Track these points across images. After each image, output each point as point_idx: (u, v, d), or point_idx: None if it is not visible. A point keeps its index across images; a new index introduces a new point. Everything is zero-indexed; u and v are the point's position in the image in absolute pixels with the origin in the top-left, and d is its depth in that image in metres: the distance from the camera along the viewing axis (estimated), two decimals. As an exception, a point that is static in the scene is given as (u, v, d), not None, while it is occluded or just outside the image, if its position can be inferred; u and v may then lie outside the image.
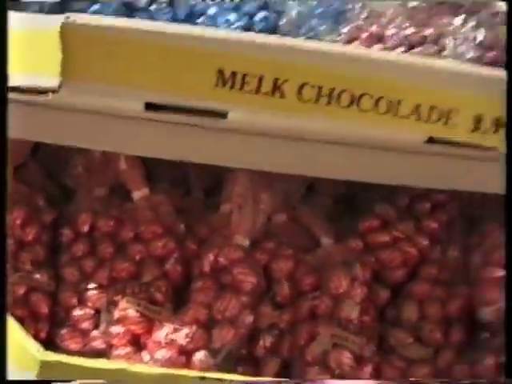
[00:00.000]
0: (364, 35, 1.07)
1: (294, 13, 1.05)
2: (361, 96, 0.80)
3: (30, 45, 0.87)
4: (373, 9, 1.12)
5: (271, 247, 1.05)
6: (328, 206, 1.12)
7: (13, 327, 0.87)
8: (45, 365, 0.81)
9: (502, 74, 0.86)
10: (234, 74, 0.78)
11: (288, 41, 0.86)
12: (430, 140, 0.84)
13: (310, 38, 1.01)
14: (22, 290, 1.01)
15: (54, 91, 0.78)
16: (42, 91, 0.81)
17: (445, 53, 1.02)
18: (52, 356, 0.82)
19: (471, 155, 0.87)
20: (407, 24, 1.09)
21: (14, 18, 0.89)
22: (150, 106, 0.79)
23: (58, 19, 0.77)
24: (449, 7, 1.10)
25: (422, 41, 1.07)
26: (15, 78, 0.84)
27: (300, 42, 0.88)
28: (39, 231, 1.06)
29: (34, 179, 1.11)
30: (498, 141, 0.84)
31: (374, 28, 1.08)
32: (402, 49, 1.04)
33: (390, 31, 1.07)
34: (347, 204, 1.13)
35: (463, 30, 1.04)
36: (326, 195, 1.13)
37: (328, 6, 1.10)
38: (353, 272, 1.01)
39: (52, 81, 0.78)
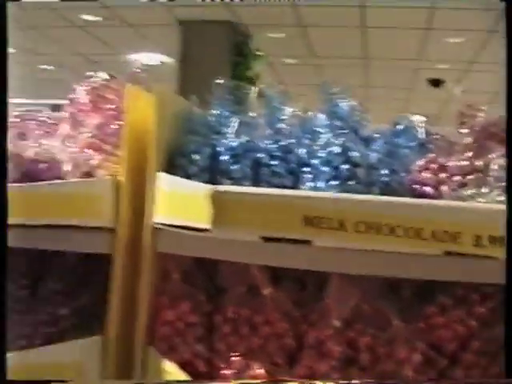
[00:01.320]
0: (434, 166, 1.52)
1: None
2: (396, 227, 1.27)
3: (177, 200, 1.42)
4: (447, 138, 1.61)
5: (357, 327, 1.50)
6: (401, 297, 1.56)
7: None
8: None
9: (500, 207, 1.30)
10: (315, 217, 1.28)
11: (350, 196, 1.34)
12: (447, 253, 1.29)
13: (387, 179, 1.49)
14: (187, 355, 1.52)
15: (206, 230, 1.32)
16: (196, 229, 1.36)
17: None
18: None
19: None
20: (466, 155, 1.53)
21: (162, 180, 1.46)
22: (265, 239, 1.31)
23: (204, 187, 1.32)
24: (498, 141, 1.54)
25: (473, 171, 1.51)
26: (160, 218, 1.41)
27: (358, 197, 1.35)
28: (200, 317, 1.58)
29: (197, 281, 1.63)
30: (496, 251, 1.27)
31: (441, 160, 1.52)
32: (458, 177, 1.50)
33: (451, 162, 1.52)
34: (415, 295, 1.57)
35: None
36: (402, 289, 1.57)
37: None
38: (414, 345, 1.44)
39: (203, 225, 1.32)
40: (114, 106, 1.71)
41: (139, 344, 1.52)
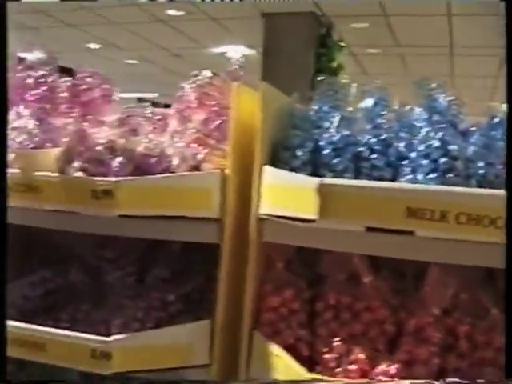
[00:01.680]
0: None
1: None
2: (497, 218, 1.32)
3: (282, 192, 1.50)
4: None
5: (456, 315, 1.55)
6: (499, 286, 1.59)
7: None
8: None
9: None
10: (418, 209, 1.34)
11: (452, 188, 1.39)
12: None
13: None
14: (291, 340, 1.60)
15: (312, 221, 1.39)
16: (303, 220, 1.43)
17: None
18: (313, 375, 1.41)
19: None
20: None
21: (268, 173, 1.54)
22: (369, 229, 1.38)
23: (310, 180, 1.39)
24: None
25: None
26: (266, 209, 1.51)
27: (460, 189, 1.40)
28: (302, 303, 1.65)
29: (298, 269, 1.71)
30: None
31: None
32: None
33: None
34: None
35: None
36: (500, 279, 1.61)
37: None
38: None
39: (308, 215, 1.39)
40: (217, 103, 1.79)
41: (246, 328, 1.61)
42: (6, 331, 1.62)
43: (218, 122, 1.76)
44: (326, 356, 1.56)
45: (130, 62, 12.62)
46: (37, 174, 1.67)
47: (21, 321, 1.75)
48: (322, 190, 1.38)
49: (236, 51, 11.18)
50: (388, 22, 8.90)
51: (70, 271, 1.96)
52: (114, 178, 1.59)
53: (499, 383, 1.44)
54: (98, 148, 1.61)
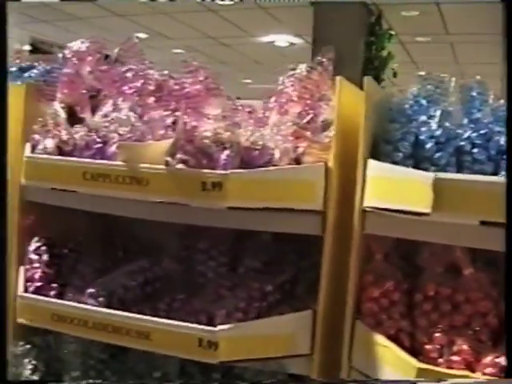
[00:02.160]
0: None
1: None
2: None
3: (386, 184, 1.53)
4: None
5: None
6: None
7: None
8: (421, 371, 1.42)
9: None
10: None
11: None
12: None
13: None
14: (392, 330, 1.62)
15: (425, 214, 1.41)
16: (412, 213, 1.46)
17: None
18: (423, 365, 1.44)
19: None
20: None
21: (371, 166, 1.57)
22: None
23: (420, 173, 1.42)
24: None
25: None
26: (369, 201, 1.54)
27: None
28: (401, 294, 1.67)
29: (397, 261, 1.73)
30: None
31: None
32: None
33: None
34: None
35: None
36: None
37: None
38: None
39: (422, 208, 1.42)
40: (312, 96, 1.82)
41: (348, 318, 1.64)
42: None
43: (316, 115, 1.78)
44: (428, 347, 1.58)
45: (177, 51, 12.68)
46: (143, 165, 1.71)
47: (122, 310, 1.80)
48: (437, 185, 1.40)
49: (284, 40, 11.18)
50: (439, 10, 8.82)
51: (163, 261, 2.01)
52: (223, 171, 1.62)
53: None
54: (206, 141, 1.64)
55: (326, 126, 1.79)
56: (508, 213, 1.38)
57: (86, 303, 1.84)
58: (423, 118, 1.68)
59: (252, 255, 1.95)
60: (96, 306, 1.81)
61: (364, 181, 1.61)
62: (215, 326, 1.68)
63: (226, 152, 1.65)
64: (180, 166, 1.68)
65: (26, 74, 2.41)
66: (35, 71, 2.40)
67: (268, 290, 1.79)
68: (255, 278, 1.84)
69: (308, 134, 1.76)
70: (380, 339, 1.57)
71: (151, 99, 1.85)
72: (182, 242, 2.06)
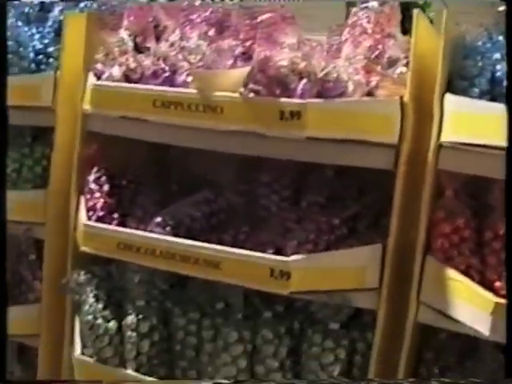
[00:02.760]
0: None
1: None
2: None
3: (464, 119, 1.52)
4: None
5: None
6: None
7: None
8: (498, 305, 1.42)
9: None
10: None
11: None
12: None
13: None
14: (462, 267, 1.62)
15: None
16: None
17: None
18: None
19: None
20: None
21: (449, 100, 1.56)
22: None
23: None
24: None
25: None
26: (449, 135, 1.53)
27: None
28: (472, 232, 1.66)
29: (467, 199, 1.71)
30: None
31: None
32: None
33: None
34: None
35: None
36: None
37: None
38: None
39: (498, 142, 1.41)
40: (385, 31, 1.79)
41: (419, 252, 1.64)
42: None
43: (387, 49, 1.76)
44: (498, 284, 1.58)
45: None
46: (218, 93, 1.70)
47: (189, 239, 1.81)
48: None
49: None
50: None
51: (225, 193, 2.01)
52: (302, 100, 1.61)
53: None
54: (283, 70, 1.62)
55: (391, 62, 1.77)
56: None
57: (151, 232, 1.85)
58: (497, 55, 1.66)
59: (315, 190, 1.95)
60: (163, 234, 1.82)
61: (441, 115, 1.59)
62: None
63: (303, 81, 1.62)
64: (252, 95, 1.67)
65: (82, 4, 2.39)
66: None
67: (335, 224, 1.79)
68: (320, 212, 1.84)
69: (379, 68, 1.74)
70: (453, 274, 1.57)
71: (221, 28, 1.83)
72: (241, 175, 2.05)
